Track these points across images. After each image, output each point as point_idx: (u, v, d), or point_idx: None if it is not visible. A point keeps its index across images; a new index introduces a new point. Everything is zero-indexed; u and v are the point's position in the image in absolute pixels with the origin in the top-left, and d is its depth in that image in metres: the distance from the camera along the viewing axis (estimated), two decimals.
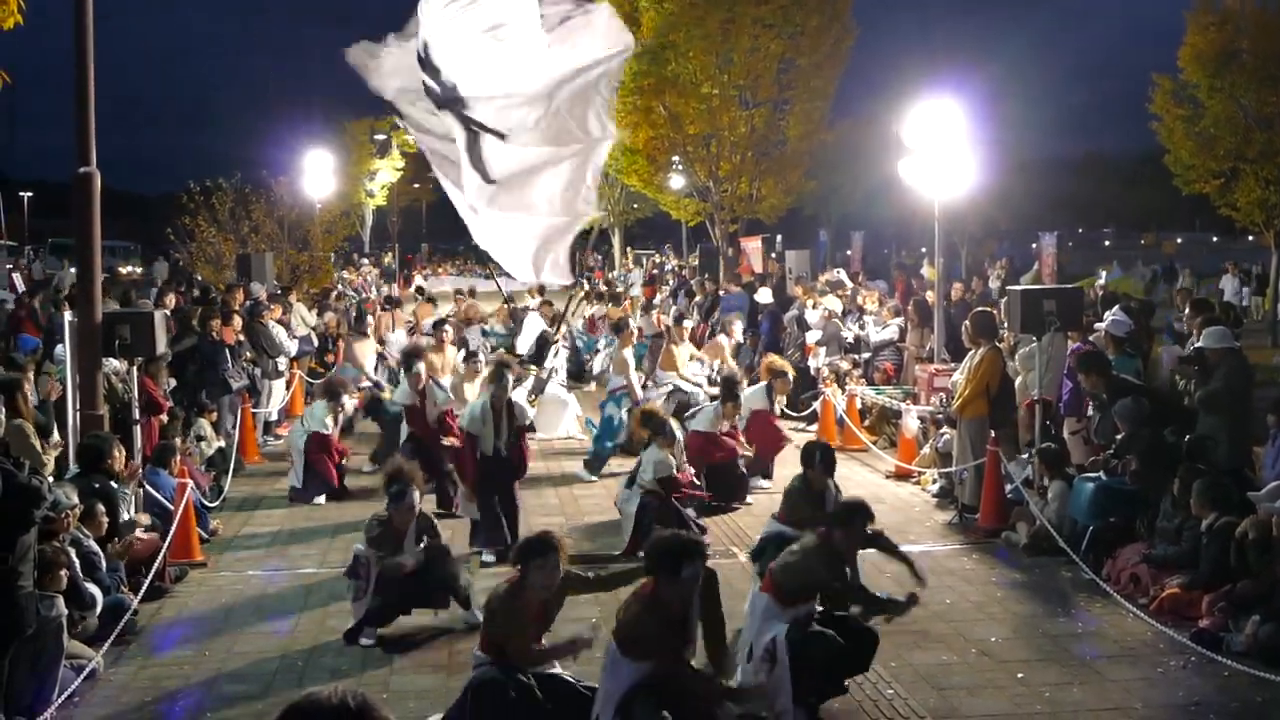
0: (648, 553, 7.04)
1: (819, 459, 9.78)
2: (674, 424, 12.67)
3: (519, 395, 13.79)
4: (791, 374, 15.13)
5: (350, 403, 15.50)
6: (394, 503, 9.36)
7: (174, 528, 10.70)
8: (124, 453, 10.91)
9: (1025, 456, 12.53)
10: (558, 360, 18.36)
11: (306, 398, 20.35)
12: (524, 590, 7.13)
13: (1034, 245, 30.62)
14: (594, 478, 14.86)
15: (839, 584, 7.72)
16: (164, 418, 13.44)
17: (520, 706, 6.96)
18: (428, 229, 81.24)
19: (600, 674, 6.89)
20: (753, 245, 33.45)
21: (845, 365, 17.85)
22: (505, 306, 23.77)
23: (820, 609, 7.73)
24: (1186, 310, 14.12)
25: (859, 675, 7.99)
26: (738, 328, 19.52)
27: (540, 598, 7.17)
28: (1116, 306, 14.30)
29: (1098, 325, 13.87)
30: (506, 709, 6.96)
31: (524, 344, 18.52)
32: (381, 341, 20.61)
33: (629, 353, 16.30)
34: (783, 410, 15.96)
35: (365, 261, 46.69)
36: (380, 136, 50.88)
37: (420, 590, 9.32)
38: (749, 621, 7.75)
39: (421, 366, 13.72)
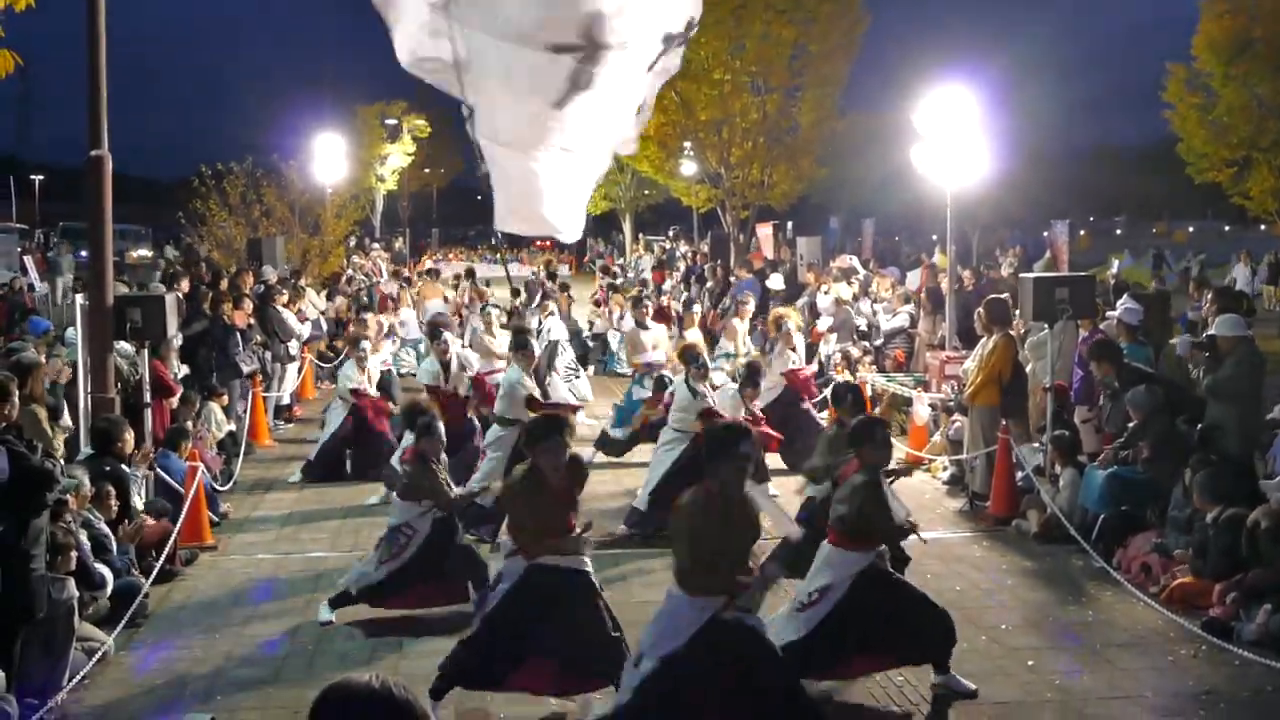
0: (704, 442, 6.84)
1: (850, 400, 9.95)
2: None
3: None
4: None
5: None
6: (425, 436, 9.21)
7: (185, 511, 10.73)
8: (135, 436, 10.95)
9: (1037, 445, 12.51)
10: (560, 353, 18.29)
11: (317, 382, 20.42)
12: (538, 474, 7.31)
13: (1046, 233, 30.55)
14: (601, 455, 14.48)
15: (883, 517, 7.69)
16: (174, 401, 13.47)
17: (535, 596, 7.19)
18: (438, 214, 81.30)
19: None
20: (764, 232, 33.42)
21: (856, 352, 17.81)
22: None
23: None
24: (1207, 297, 14.08)
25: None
26: (750, 308, 19.37)
27: (554, 479, 7.29)
28: (1127, 294, 14.27)
29: (1110, 313, 13.84)
30: (525, 599, 7.22)
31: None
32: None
33: (655, 332, 16.00)
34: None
35: (376, 246, 46.70)
36: (391, 121, 50.86)
37: (437, 574, 9.22)
38: (814, 570, 7.81)
39: (449, 336, 13.72)
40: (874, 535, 7.69)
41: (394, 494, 9.82)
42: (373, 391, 14.54)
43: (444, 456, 9.49)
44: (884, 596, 7.63)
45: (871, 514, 7.58)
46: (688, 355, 12.40)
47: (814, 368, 16.44)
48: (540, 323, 18.23)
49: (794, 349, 15.17)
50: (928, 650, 7.79)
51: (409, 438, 10.10)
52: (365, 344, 14.67)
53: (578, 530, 7.34)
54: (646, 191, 49.04)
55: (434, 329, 14.07)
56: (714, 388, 14.05)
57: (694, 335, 16.90)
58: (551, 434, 7.35)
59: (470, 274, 28.07)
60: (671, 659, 6.27)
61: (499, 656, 7.25)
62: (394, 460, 12.35)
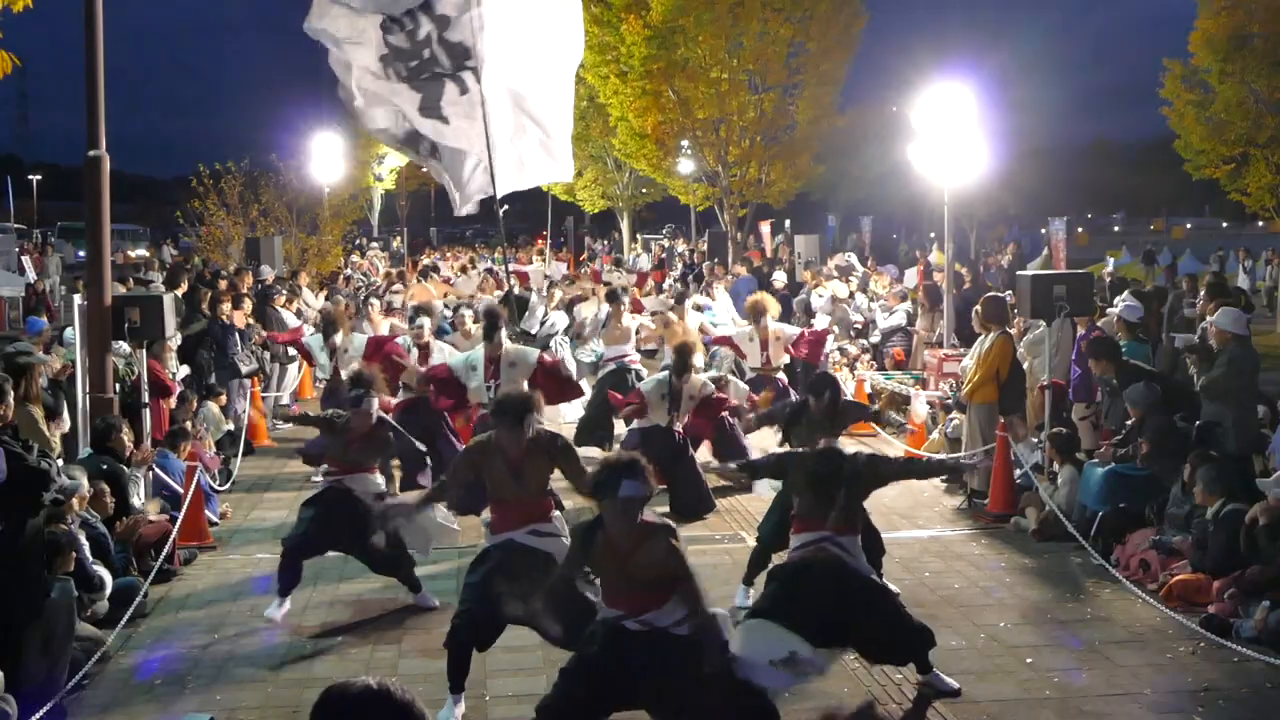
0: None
1: (828, 395, 9.73)
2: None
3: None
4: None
5: None
6: (352, 406, 9.48)
7: (183, 511, 10.73)
8: (133, 436, 10.94)
9: (1035, 442, 12.52)
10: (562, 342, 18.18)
11: (315, 381, 20.38)
12: (496, 441, 7.48)
13: (1044, 230, 30.55)
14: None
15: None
16: (172, 401, 13.46)
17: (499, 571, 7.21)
18: (436, 213, 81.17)
19: None
20: (766, 230, 33.46)
21: (854, 350, 17.83)
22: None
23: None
24: (1201, 295, 14.09)
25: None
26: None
27: (512, 451, 7.41)
28: (1128, 291, 14.27)
29: (1109, 310, 13.84)
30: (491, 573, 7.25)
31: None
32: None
33: (627, 319, 15.67)
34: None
35: (374, 246, 46.70)
36: None
37: (352, 539, 9.32)
38: None
39: (427, 322, 13.68)
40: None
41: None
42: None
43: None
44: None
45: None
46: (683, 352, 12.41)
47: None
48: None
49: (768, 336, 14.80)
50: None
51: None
52: (337, 337, 14.61)
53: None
54: (644, 190, 48.87)
55: (416, 313, 14.07)
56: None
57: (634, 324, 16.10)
58: (517, 411, 7.41)
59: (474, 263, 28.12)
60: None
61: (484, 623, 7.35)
62: None
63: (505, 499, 7.56)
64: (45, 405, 10.90)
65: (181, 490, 11.09)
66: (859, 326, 18.97)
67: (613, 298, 16.13)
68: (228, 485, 13.38)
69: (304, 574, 10.37)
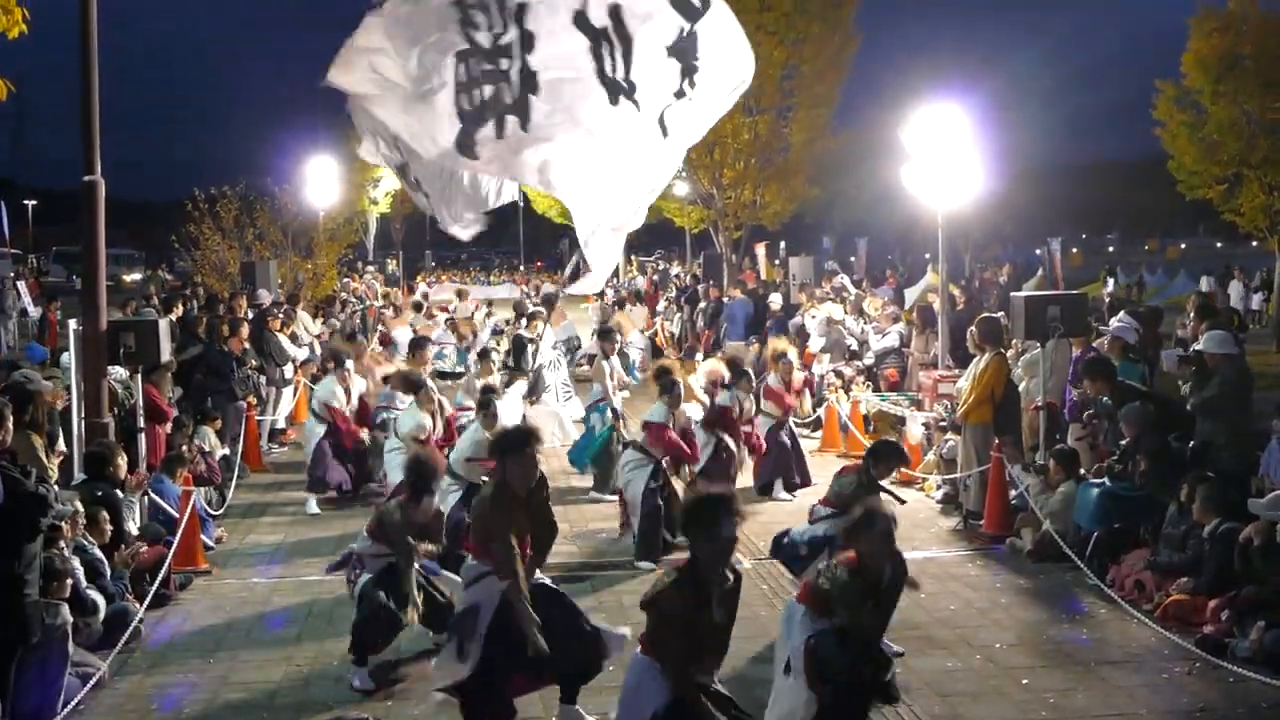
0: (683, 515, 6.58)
1: (885, 458, 9.26)
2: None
3: (514, 400, 13.93)
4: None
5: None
6: (414, 500, 8.84)
7: (178, 536, 10.71)
8: (128, 460, 10.94)
9: (1034, 463, 12.51)
10: (551, 369, 18.15)
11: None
12: (505, 486, 7.22)
13: (1038, 251, 30.63)
14: (608, 496, 13.91)
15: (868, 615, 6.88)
16: (169, 426, 13.45)
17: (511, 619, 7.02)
18: (430, 236, 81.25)
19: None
20: (762, 252, 33.50)
21: (849, 371, 17.84)
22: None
23: None
24: (1192, 315, 14.12)
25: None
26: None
27: (521, 491, 7.19)
28: (1124, 312, 14.28)
29: (1104, 329, 13.86)
30: (503, 623, 7.07)
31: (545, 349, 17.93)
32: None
33: (611, 361, 15.27)
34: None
35: (370, 269, 46.69)
36: None
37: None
38: (784, 632, 7.19)
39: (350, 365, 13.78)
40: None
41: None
42: (348, 411, 14.43)
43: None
44: None
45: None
46: (662, 379, 12.37)
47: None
48: (531, 342, 18.09)
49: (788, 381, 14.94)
50: None
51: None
52: (349, 363, 14.65)
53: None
54: None
55: (413, 348, 14.13)
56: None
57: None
58: (522, 445, 7.25)
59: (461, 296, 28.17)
60: None
61: (502, 681, 7.20)
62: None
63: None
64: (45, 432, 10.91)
65: (177, 515, 11.08)
66: (854, 348, 18.98)
67: (605, 335, 16.03)
68: (222, 510, 13.36)
69: (301, 600, 10.40)
